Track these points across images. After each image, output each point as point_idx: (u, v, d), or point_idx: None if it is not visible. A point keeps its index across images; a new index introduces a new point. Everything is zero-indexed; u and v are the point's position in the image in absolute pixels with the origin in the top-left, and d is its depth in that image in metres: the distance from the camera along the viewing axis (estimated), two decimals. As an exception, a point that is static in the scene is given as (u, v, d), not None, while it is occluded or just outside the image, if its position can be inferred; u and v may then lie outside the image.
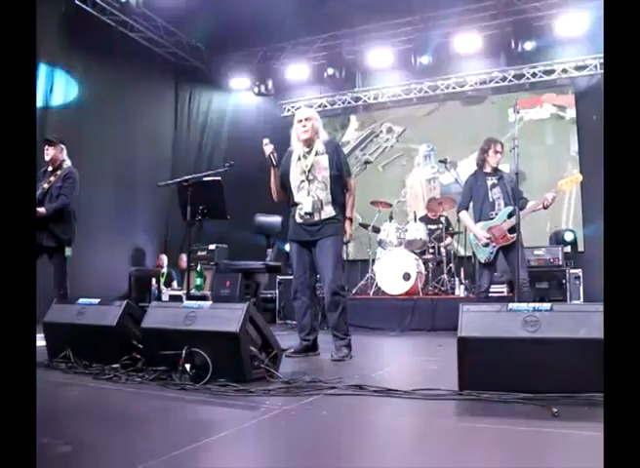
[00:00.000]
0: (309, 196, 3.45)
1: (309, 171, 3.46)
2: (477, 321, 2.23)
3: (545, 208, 4.34)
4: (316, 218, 3.44)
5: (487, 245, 4.34)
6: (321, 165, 3.47)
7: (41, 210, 4.19)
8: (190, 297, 4.23)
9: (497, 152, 4.42)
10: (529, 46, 7.67)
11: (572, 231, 7.37)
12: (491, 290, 4.60)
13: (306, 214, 3.45)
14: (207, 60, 9.20)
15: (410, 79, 8.93)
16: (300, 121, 3.51)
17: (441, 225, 6.67)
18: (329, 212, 3.45)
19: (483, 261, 4.37)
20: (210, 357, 2.42)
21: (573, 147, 8.04)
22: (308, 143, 3.51)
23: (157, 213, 8.25)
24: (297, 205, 3.53)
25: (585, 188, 7.54)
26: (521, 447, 1.58)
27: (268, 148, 3.52)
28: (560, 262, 6.33)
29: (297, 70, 9.17)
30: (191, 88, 9.22)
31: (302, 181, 3.48)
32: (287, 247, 7.33)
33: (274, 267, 6.31)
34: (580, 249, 7.51)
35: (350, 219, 3.58)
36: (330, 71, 8.67)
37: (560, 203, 7.37)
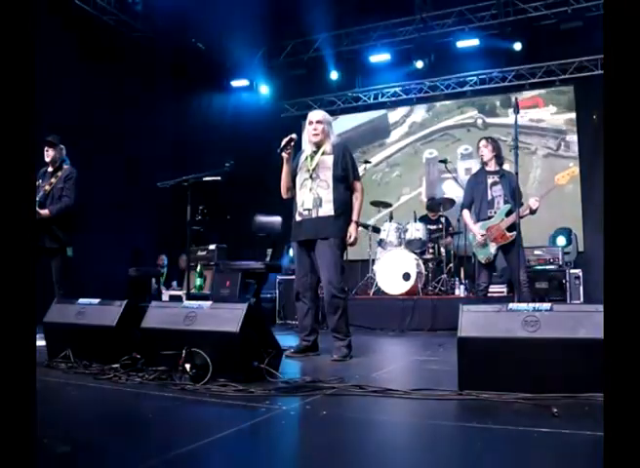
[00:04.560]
0: (310, 192, 3.49)
1: (314, 170, 3.51)
2: (477, 321, 2.23)
3: (532, 213, 4.33)
4: (314, 215, 3.47)
5: (486, 245, 4.33)
6: (325, 164, 3.51)
7: (44, 211, 4.19)
8: (191, 297, 4.23)
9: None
10: (529, 46, 7.67)
11: (565, 234, 7.27)
12: (490, 289, 4.61)
13: (305, 209, 3.50)
14: (207, 60, 9.20)
15: (409, 79, 8.92)
16: (312, 123, 3.57)
17: (441, 225, 6.66)
18: (328, 210, 3.46)
19: (484, 262, 4.36)
20: (210, 357, 2.42)
21: (573, 147, 8.04)
22: (318, 145, 3.57)
23: (157, 212, 8.24)
24: (298, 204, 3.56)
25: (585, 188, 7.56)
26: (521, 447, 1.58)
27: (287, 140, 3.52)
28: (560, 262, 6.34)
29: (297, 70, 9.16)
30: (191, 88, 9.22)
31: (306, 179, 3.53)
32: (290, 252, 7.39)
33: (274, 267, 6.30)
34: (581, 249, 7.50)
35: (357, 223, 3.57)
36: (330, 71, 8.66)
37: (560, 203, 7.36)
